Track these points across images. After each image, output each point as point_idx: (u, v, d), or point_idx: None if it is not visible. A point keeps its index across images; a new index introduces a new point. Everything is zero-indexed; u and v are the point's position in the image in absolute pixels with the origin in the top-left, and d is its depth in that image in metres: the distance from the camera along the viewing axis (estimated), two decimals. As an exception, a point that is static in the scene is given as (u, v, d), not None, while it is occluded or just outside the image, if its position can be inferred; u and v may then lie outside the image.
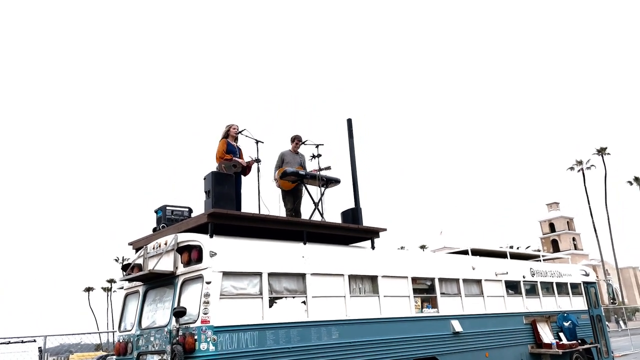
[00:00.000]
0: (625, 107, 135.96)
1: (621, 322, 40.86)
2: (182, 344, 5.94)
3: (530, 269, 11.81)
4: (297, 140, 9.08)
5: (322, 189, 8.70)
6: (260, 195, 8.09)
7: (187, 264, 6.54)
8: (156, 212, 8.03)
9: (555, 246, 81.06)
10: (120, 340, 7.25)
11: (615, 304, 18.05)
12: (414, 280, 8.76)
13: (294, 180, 8.63)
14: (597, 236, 58.55)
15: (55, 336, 10.95)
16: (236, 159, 8.20)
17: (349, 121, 9.47)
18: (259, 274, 6.67)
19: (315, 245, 7.74)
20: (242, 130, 8.42)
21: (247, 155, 8.39)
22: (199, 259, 6.38)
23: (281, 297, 6.83)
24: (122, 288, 8.14)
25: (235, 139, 8.47)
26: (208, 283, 6.17)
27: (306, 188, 8.77)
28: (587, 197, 59.32)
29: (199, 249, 6.43)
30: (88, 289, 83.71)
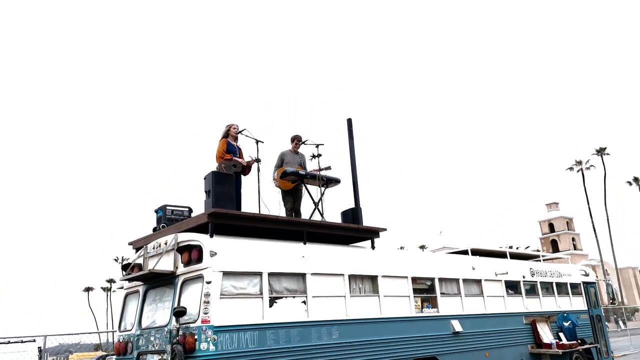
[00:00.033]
0: (624, 107, 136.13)
1: (620, 323, 40.88)
2: (182, 343, 5.94)
3: (530, 269, 11.81)
4: (297, 140, 9.08)
5: (322, 188, 8.70)
6: (261, 195, 8.10)
7: (187, 263, 6.54)
8: (156, 211, 8.03)
9: (554, 246, 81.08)
10: (120, 340, 7.25)
11: (615, 304, 18.03)
12: (414, 280, 8.76)
13: (293, 180, 8.63)
14: (596, 236, 58.59)
15: (54, 336, 10.94)
16: (236, 158, 8.19)
17: (349, 121, 9.48)
18: (259, 274, 6.67)
19: (316, 245, 7.74)
20: (242, 130, 8.42)
21: (247, 155, 8.39)
22: (199, 259, 6.38)
23: (281, 297, 6.83)
24: (122, 288, 8.13)
25: (235, 139, 8.47)
26: (208, 283, 6.17)
27: (306, 188, 8.77)
28: (587, 197, 59.36)
29: (199, 249, 6.43)
30: (88, 289, 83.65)
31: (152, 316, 6.94)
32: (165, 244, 6.95)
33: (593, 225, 58.46)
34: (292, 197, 8.78)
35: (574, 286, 13.04)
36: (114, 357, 7.40)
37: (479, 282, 10.11)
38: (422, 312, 8.82)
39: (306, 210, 8.80)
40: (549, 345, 10.79)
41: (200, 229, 6.90)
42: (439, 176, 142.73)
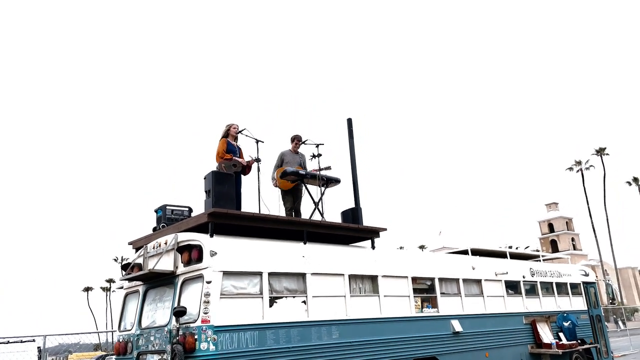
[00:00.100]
0: (624, 107, 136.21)
1: (620, 323, 40.89)
2: (183, 343, 5.93)
3: (530, 269, 11.81)
4: (297, 140, 9.07)
5: (322, 188, 8.70)
6: (261, 195, 8.09)
7: (187, 263, 6.53)
8: (156, 211, 8.02)
9: (554, 246, 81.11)
10: (120, 340, 7.24)
11: (615, 304, 18.05)
12: (414, 280, 8.76)
13: (293, 180, 8.62)
14: (596, 236, 58.62)
15: (54, 336, 10.94)
16: (236, 158, 8.19)
17: (349, 121, 9.47)
18: (259, 274, 6.66)
19: (316, 245, 7.74)
20: (242, 130, 8.41)
21: (247, 154, 8.39)
22: (199, 259, 6.38)
23: (281, 297, 6.83)
24: (121, 288, 8.12)
25: (235, 139, 8.46)
26: (208, 282, 6.17)
27: (306, 188, 8.77)
28: (586, 198, 59.40)
29: (199, 249, 6.42)
30: (87, 289, 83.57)
31: (152, 316, 6.93)
32: (165, 243, 6.95)
33: (592, 226, 58.52)
34: (291, 197, 8.77)
35: (574, 286, 13.04)
36: (114, 357, 7.39)
37: (479, 282, 10.11)
38: (422, 312, 8.82)
39: (306, 210, 8.80)
40: (548, 345, 10.79)
41: (200, 228, 6.90)
42: (439, 176, 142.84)
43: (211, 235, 6.61)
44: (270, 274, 6.77)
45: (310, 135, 9.06)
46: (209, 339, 5.92)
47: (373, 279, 8.10)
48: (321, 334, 7.01)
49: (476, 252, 11.10)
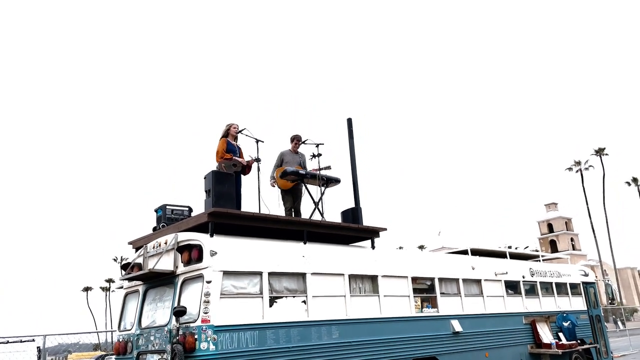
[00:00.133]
0: (623, 108, 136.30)
1: (619, 323, 40.89)
2: (183, 343, 5.93)
3: (530, 269, 11.81)
4: (296, 140, 9.07)
5: (322, 188, 8.69)
6: (261, 195, 8.09)
7: (187, 263, 6.53)
8: (156, 211, 8.02)
9: (553, 246, 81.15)
10: (120, 340, 7.23)
11: (614, 304, 18.05)
12: (414, 280, 8.76)
13: (293, 179, 8.62)
14: (595, 237, 58.65)
15: (53, 335, 10.92)
16: (236, 158, 8.18)
17: (349, 121, 9.47)
18: (260, 274, 6.66)
19: (316, 244, 7.74)
20: (242, 130, 8.41)
21: (247, 154, 8.38)
22: (199, 258, 6.37)
23: (281, 297, 6.82)
24: (121, 287, 8.12)
25: (235, 138, 8.45)
26: (208, 282, 6.16)
27: (306, 187, 8.76)
28: (586, 198, 59.43)
29: (199, 248, 6.42)
30: (86, 289, 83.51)
31: (152, 316, 6.93)
32: (165, 243, 6.94)
33: (592, 226, 58.55)
34: (291, 197, 8.77)
35: (574, 286, 13.04)
36: (114, 357, 7.39)
37: (478, 282, 10.11)
38: (422, 312, 8.82)
39: (306, 209, 8.80)
40: (548, 345, 10.79)
41: (200, 228, 6.90)
42: (438, 176, 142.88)
43: (211, 235, 6.61)
44: (270, 274, 6.77)
45: (310, 135, 9.07)
46: (209, 339, 5.91)
47: (373, 278, 8.10)
48: (321, 334, 7.01)
49: (476, 252, 11.11)
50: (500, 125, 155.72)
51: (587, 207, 58.80)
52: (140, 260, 7.31)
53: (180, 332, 6.06)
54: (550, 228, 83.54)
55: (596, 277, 14.63)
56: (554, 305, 12.05)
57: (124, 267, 7.62)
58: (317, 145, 8.91)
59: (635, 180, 60.29)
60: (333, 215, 8.97)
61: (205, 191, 7.35)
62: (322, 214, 8.60)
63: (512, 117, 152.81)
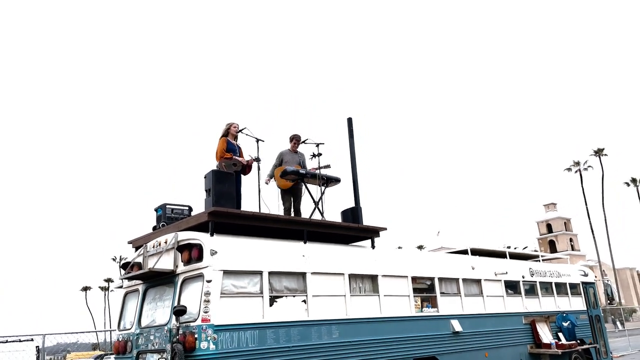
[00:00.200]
0: (622, 108, 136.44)
1: (618, 323, 40.90)
2: (183, 342, 5.92)
3: (530, 269, 11.81)
4: (295, 140, 9.05)
5: (322, 188, 8.68)
6: (261, 194, 8.08)
7: (187, 262, 6.52)
8: (156, 210, 8.01)
9: (552, 247, 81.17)
10: (120, 339, 7.22)
11: (614, 304, 18.06)
12: (414, 279, 8.75)
13: (293, 179, 8.61)
14: (594, 237, 58.71)
15: (53, 335, 10.91)
16: (236, 157, 8.17)
17: (349, 120, 9.46)
18: (260, 273, 6.65)
19: (316, 244, 7.73)
20: (243, 129, 8.39)
21: (247, 154, 8.37)
22: (200, 258, 6.36)
23: (281, 296, 6.82)
24: (120, 287, 8.11)
25: (235, 138, 8.43)
26: (208, 282, 6.15)
27: (306, 187, 8.75)
28: (585, 198, 59.46)
29: (199, 248, 6.41)
30: (85, 288, 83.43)
31: (151, 315, 6.92)
32: (165, 242, 6.93)
33: (591, 226, 58.60)
34: (290, 197, 8.76)
35: (573, 286, 13.04)
36: (113, 356, 7.37)
37: (478, 282, 10.10)
38: (421, 311, 8.81)
39: (306, 209, 8.79)
40: (548, 345, 10.79)
41: (200, 227, 6.88)
42: (438, 176, 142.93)
43: (211, 234, 6.60)
44: (271, 273, 6.76)
45: (310, 135, 9.05)
46: (209, 338, 5.90)
47: (373, 278, 8.09)
48: (321, 334, 7.00)
49: (476, 252, 11.10)
50: (500, 126, 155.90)
51: (586, 208, 58.90)
52: (140, 259, 7.29)
53: (180, 332, 6.05)
54: (549, 228, 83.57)
55: (595, 277, 14.63)
56: (553, 305, 12.06)
57: (124, 266, 7.61)
58: (317, 145, 8.90)
59: (634, 180, 60.32)
60: (333, 214, 8.97)
61: (206, 190, 7.34)
62: (322, 214, 8.59)
63: (512, 117, 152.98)
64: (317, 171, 8.63)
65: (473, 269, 10.13)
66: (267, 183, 8.72)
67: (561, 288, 12.64)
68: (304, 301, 7.02)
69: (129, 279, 7.43)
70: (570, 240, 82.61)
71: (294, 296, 6.95)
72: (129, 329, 7.17)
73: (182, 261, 6.62)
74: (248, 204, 7.99)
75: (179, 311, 6.05)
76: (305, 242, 7.56)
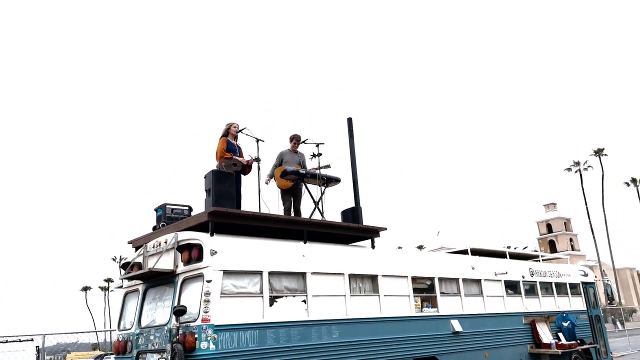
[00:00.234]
0: (622, 108, 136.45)
1: (618, 323, 40.89)
2: (183, 342, 5.92)
3: (530, 269, 11.81)
4: (295, 140, 9.05)
5: (322, 188, 8.68)
6: (261, 194, 8.08)
7: (187, 262, 6.52)
8: (156, 210, 8.01)
9: (552, 247, 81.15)
10: (120, 339, 7.22)
11: (614, 304, 18.06)
12: (414, 279, 8.75)
13: (293, 179, 8.60)
14: (594, 237, 58.70)
15: (53, 335, 10.90)
16: (236, 157, 8.16)
17: (349, 120, 9.46)
18: (260, 273, 6.65)
19: (316, 244, 7.73)
20: (243, 129, 8.39)
21: (246, 154, 8.36)
22: (200, 258, 6.36)
23: (281, 296, 6.82)
24: (120, 287, 8.11)
25: (235, 138, 8.43)
26: (208, 282, 6.15)
27: (306, 187, 8.75)
28: (585, 198, 59.46)
29: (199, 248, 6.41)
30: (85, 288, 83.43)
31: (151, 315, 6.92)
32: (165, 242, 6.93)
33: (591, 226, 58.60)
34: (290, 197, 8.75)
35: (573, 286, 13.04)
36: (113, 356, 7.37)
37: (478, 282, 10.10)
38: (421, 311, 8.81)
39: (306, 209, 8.79)
40: (548, 345, 10.79)
41: (200, 227, 6.88)
42: (438, 176, 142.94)
43: (211, 234, 6.60)
44: (271, 273, 6.76)
45: (310, 135, 9.05)
46: (209, 338, 5.90)
47: (373, 278, 8.09)
48: (321, 334, 7.00)
49: (476, 252, 11.10)
50: (500, 126, 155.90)
51: (586, 208, 58.90)
52: (140, 259, 7.29)
53: (180, 332, 6.05)
54: (549, 228, 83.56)
55: (595, 277, 14.63)
56: (553, 305, 12.06)
57: (124, 266, 7.61)
58: (318, 145, 8.90)
59: (634, 180, 60.32)
60: (333, 214, 8.97)
61: (206, 190, 7.34)
62: (322, 214, 8.59)
63: (511, 118, 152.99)
64: (317, 171, 8.62)
65: (473, 269, 10.13)
66: (267, 183, 8.72)
67: (561, 288, 12.64)
68: (304, 301, 7.02)
69: (129, 279, 7.43)
70: (570, 240, 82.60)
71: (294, 296, 6.95)
72: (129, 329, 7.17)
73: (182, 261, 6.61)
74: (248, 204, 8.00)
75: (179, 311, 6.05)
76: (305, 242, 7.56)
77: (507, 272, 10.82)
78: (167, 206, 7.92)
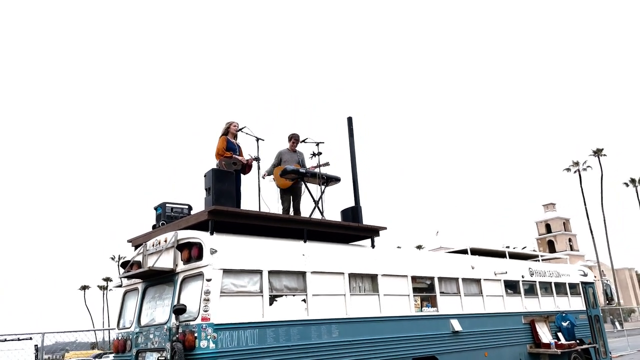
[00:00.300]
0: (621, 108, 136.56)
1: (617, 323, 40.95)
2: (182, 341, 5.92)
3: (529, 268, 11.81)
4: (294, 139, 9.02)
5: (322, 187, 8.66)
6: (261, 193, 8.07)
7: (187, 261, 6.50)
8: (156, 209, 8.00)
9: (551, 247, 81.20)
10: (119, 338, 7.21)
11: (613, 305, 18.06)
12: (414, 279, 8.75)
13: (293, 178, 8.59)
14: (593, 237, 58.75)
15: (52, 333, 10.88)
16: (236, 156, 8.14)
17: (349, 119, 9.44)
18: (260, 272, 6.64)
19: (316, 243, 7.72)
20: (243, 128, 8.37)
21: (246, 153, 8.34)
22: (200, 256, 6.35)
23: (281, 295, 6.81)
24: (119, 286, 8.09)
25: (235, 136, 8.41)
26: (208, 280, 6.14)
27: (306, 186, 8.73)
28: (584, 199, 59.50)
29: (199, 246, 6.40)
30: (84, 287, 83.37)
31: (151, 314, 6.91)
32: (165, 241, 6.92)
33: (590, 226, 58.64)
34: (290, 197, 8.73)
35: (573, 286, 13.04)
36: (112, 355, 7.36)
37: (478, 281, 10.10)
38: (421, 311, 8.80)
39: (306, 209, 8.78)
40: (547, 345, 10.79)
41: (200, 226, 6.87)
42: (438, 176, 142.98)
43: (211, 233, 6.59)
44: (271, 272, 6.75)
45: (311, 135, 9.03)
46: (208, 337, 5.89)
47: (373, 277, 8.08)
48: (321, 333, 6.99)
49: (475, 252, 11.10)
50: (500, 126, 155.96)
51: (585, 208, 58.94)
52: (139, 258, 7.28)
53: (180, 330, 6.04)
54: (548, 228, 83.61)
55: (595, 277, 14.63)
56: (553, 305, 12.06)
57: (124, 265, 7.59)
58: (318, 144, 8.88)
59: (633, 181, 60.37)
60: (333, 214, 8.96)
61: (205, 189, 7.33)
62: (322, 213, 8.57)
63: (511, 118, 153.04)
64: (317, 170, 8.61)
65: (473, 268, 10.13)
66: (264, 177, 8.64)
67: (560, 288, 12.64)
68: (304, 300, 7.01)
69: (129, 277, 7.41)
70: (569, 240, 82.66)
71: (293, 295, 6.94)
72: (129, 328, 7.16)
73: (181, 260, 6.60)
74: (248, 203, 7.98)
75: (179, 310, 6.04)
76: (305, 241, 7.55)
77: (506, 272, 10.81)
78: (167, 205, 7.91)
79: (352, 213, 8.82)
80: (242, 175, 8.24)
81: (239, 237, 6.91)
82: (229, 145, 8.19)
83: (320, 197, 8.63)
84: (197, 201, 7.76)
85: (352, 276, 7.76)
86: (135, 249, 7.84)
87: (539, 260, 13.31)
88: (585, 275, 13.78)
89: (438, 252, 12.31)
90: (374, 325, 7.75)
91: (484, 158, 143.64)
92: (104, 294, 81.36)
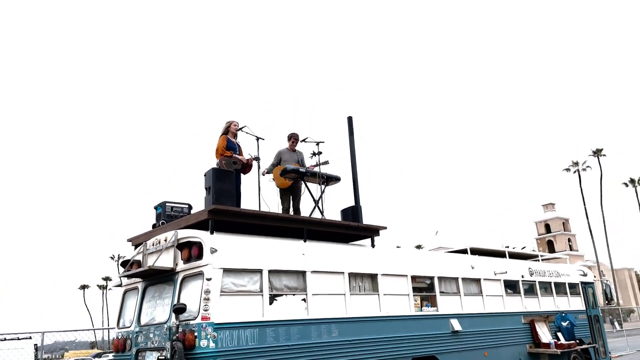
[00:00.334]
0: (621, 108, 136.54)
1: (616, 323, 40.94)
2: (182, 340, 5.91)
3: (529, 268, 11.81)
4: (294, 139, 9.01)
5: (322, 186, 8.66)
6: (261, 193, 8.06)
7: (187, 260, 6.50)
8: (155, 208, 7.99)
9: (550, 247, 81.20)
10: (119, 337, 7.20)
11: (612, 304, 18.06)
12: (414, 278, 8.74)
13: (293, 177, 8.58)
14: (592, 237, 58.73)
15: (52, 332, 10.87)
16: (236, 155, 8.13)
17: (349, 119, 9.43)
18: (260, 271, 6.63)
19: (316, 242, 7.72)
20: (243, 127, 8.36)
21: (246, 153, 8.33)
22: (200, 256, 6.34)
23: (281, 295, 6.80)
24: (119, 285, 8.08)
25: (235, 136, 8.40)
26: (208, 280, 6.13)
27: (306, 186, 8.72)
28: (583, 199, 59.49)
29: (199, 246, 6.39)
30: (83, 287, 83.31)
31: (151, 313, 6.90)
32: (165, 240, 6.91)
33: (589, 226, 58.63)
34: (289, 196, 8.72)
35: (572, 286, 13.04)
36: (111, 354, 7.35)
37: (478, 281, 10.09)
38: (421, 310, 8.80)
39: (306, 208, 8.77)
40: (547, 345, 10.79)
41: (200, 225, 6.87)
42: (438, 176, 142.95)
43: (211, 232, 6.58)
44: (271, 272, 6.74)
45: (310, 134, 9.02)
46: (208, 336, 5.89)
47: (373, 277, 8.08)
48: (321, 332, 6.98)
49: (475, 252, 11.09)
50: (500, 126, 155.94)
51: (585, 208, 58.92)
52: (139, 257, 7.28)
53: (180, 330, 6.04)
54: (548, 228, 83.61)
55: (594, 277, 14.63)
56: (552, 305, 12.06)
57: (123, 264, 7.59)
58: (318, 144, 8.87)
59: (632, 181, 60.35)
60: (333, 213, 8.95)
61: (206, 188, 7.32)
62: (322, 212, 8.56)
63: (511, 118, 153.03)
64: (317, 169, 8.60)
65: (472, 268, 10.12)
66: (264, 174, 8.61)
67: (560, 288, 12.64)
68: (304, 300, 7.00)
69: (129, 276, 7.40)
70: (569, 240, 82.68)
71: (293, 295, 6.93)
72: (129, 327, 7.15)
73: (182, 259, 6.60)
74: (248, 203, 7.98)
75: (179, 309, 6.03)
76: (305, 241, 7.55)
77: (506, 272, 10.81)
78: (167, 204, 7.90)
79: (352, 213, 8.82)
80: (242, 174, 8.24)
81: (239, 237, 6.90)
82: (229, 144, 8.18)
83: (320, 196, 8.62)
84: (197, 200, 7.77)
85: (352, 276, 7.76)
86: (135, 248, 7.83)
87: (538, 260, 13.31)
88: (584, 275, 13.78)
89: (438, 252, 12.29)
90: (374, 324, 7.75)
91: (484, 158, 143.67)
92: (103, 293, 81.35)
